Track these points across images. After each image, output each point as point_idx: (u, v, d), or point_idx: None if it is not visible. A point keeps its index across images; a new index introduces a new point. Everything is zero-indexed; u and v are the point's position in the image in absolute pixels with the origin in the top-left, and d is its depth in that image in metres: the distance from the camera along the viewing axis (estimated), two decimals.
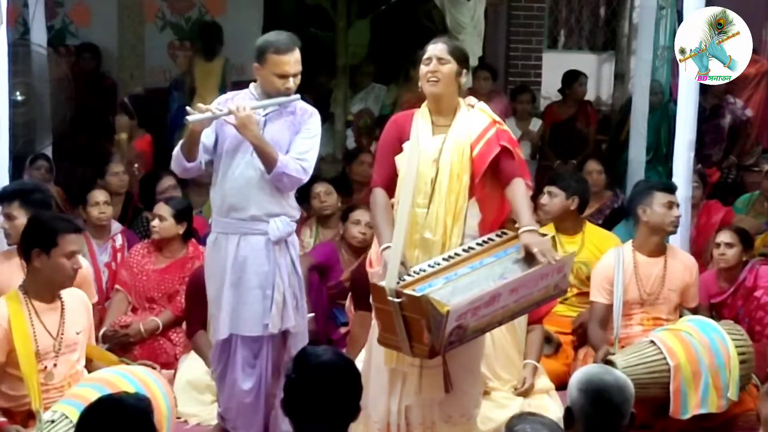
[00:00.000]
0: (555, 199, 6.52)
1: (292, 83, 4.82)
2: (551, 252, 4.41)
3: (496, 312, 4.33)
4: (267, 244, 4.81)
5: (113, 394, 3.57)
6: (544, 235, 4.61)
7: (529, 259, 4.39)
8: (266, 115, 4.84)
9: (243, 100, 4.79)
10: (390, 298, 4.27)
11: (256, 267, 4.81)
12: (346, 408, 3.34)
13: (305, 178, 4.87)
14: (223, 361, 4.93)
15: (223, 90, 9.11)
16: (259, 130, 4.75)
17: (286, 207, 4.88)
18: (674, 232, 5.86)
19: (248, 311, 4.83)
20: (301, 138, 4.86)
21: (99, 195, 6.84)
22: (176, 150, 4.88)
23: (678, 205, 5.84)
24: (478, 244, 4.51)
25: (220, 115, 4.73)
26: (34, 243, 4.62)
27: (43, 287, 4.65)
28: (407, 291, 4.25)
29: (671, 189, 5.88)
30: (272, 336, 4.85)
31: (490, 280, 4.34)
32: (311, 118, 4.90)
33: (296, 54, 4.82)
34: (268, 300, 4.81)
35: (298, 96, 4.86)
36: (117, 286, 6.38)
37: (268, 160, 4.74)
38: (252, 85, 4.95)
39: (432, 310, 4.14)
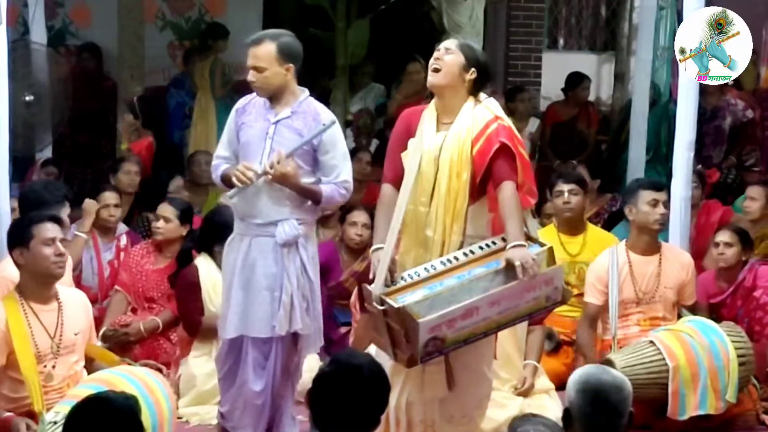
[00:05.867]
0: (578, 196, 6.57)
1: (252, 76, 4.77)
2: (534, 267, 4.27)
3: (477, 324, 4.28)
4: (275, 246, 4.80)
5: (100, 393, 3.57)
6: (543, 244, 4.48)
7: (514, 272, 4.29)
8: (276, 122, 4.81)
9: (277, 153, 4.71)
10: (374, 304, 4.30)
11: (264, 269, 4.81)
12: (369, 414, 3.34)
13: (349, 196, 4.97)
14: (230, 361, 4.93)
15: (212, 88, 9.18)
16: (297, 179, 4.74)
17: (295, 211, 4.82)
18: (660, 230, 5.86)
19: (257, 313, 4.82)
20: (332, 161, 4.83)
21: (110, 197, 6.79)
22: (218, 179, 4.95)
23: (665, 203, 5.84)
24: (480, 247, 4.45)
25: (258, 178, 4.72)
26: (13, 243, 4.68)
27: (35, 284, 4.65)
28: (388, 300, 4.26)
29: (657, 187, 5.88)
30: (282, 338, 4.84)
31: (473, 294, 4.28)
32: (330, 129, 4.81)
33: (258, 47, 4.75)
34: (276, 302, 4.80)
35: (332, 122, 4.80)
36: (116, 287, 6.38)
37: (313, 198, 4.82)
38: None
39: (409, 322, 4.18)
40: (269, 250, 4.81)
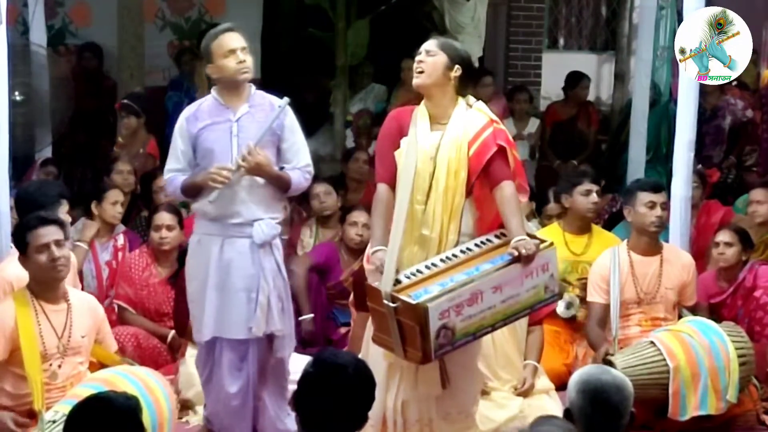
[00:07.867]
0: (600, 197, 6.60)
1: (242, 56, 4.76)
2: (532, 248, 4.39)
3: (483, 313, 4.32)
4: (252, 247, 4.77)
5: (101, 393, 3.58)
6: (543, 240, 4.55)
7: (516, 261, 4.40)
8: (238, 119, 4.80)
9: (246, 145, 4.71)
10: (385, 302, 4.29)
11: (241, 270, 4.77)
12: (355, 413, 3.34)
13: (311, 179, 5.01)
14: (209, 365, 4.89)
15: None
16: (271, 167, 4.76)
17: (270, 210, 4.84)
18: (658, 232, 5.85)
19: (233, 314, 4.78)
20: (295, 146, 4.87)
21: (116, 194, 6.81)
22: (177, 191, 4.89)
23: (663, 205, 5.83)
24: (476, 245, 4.50)
25: (234, 174, 4.70)
26: (18, 249, 4.71)
27: (41, 285, 4.67)
28: (403, 297, 4.26)
29: (654, 189, 5.87)
30: (258, 339, 4.82)
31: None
32: (288, 116, 4.87)
33: (235, 34, 4.81)
34: (252, 303, 4.77)
35: (286, 101, 4.83)
36: (120, 303, 6.27)
37: (283, 186, 4.83)
38: (213, 89, 4.90)
39: (424, 315, 4.17)
40: (246, 250, 4.78)
